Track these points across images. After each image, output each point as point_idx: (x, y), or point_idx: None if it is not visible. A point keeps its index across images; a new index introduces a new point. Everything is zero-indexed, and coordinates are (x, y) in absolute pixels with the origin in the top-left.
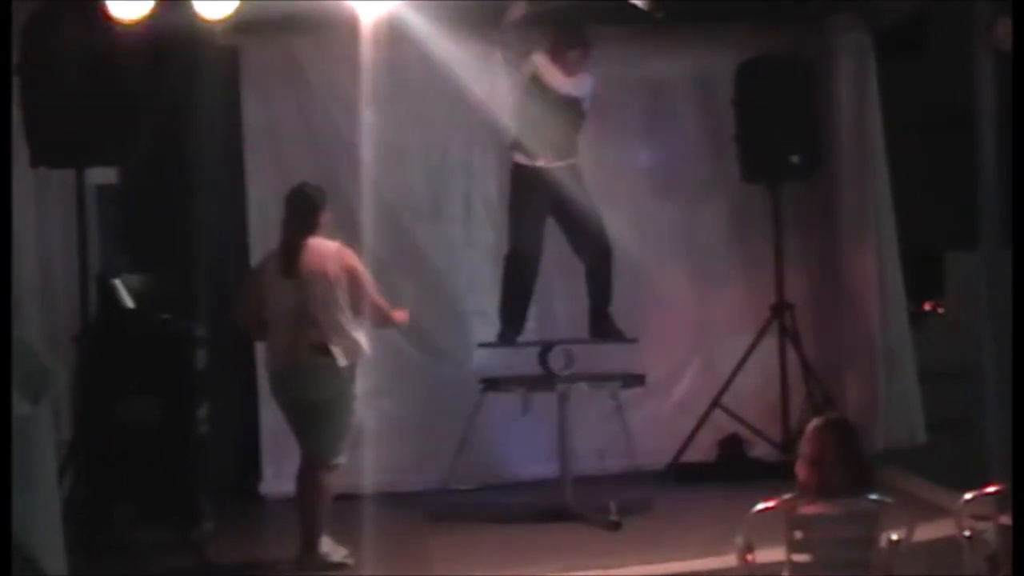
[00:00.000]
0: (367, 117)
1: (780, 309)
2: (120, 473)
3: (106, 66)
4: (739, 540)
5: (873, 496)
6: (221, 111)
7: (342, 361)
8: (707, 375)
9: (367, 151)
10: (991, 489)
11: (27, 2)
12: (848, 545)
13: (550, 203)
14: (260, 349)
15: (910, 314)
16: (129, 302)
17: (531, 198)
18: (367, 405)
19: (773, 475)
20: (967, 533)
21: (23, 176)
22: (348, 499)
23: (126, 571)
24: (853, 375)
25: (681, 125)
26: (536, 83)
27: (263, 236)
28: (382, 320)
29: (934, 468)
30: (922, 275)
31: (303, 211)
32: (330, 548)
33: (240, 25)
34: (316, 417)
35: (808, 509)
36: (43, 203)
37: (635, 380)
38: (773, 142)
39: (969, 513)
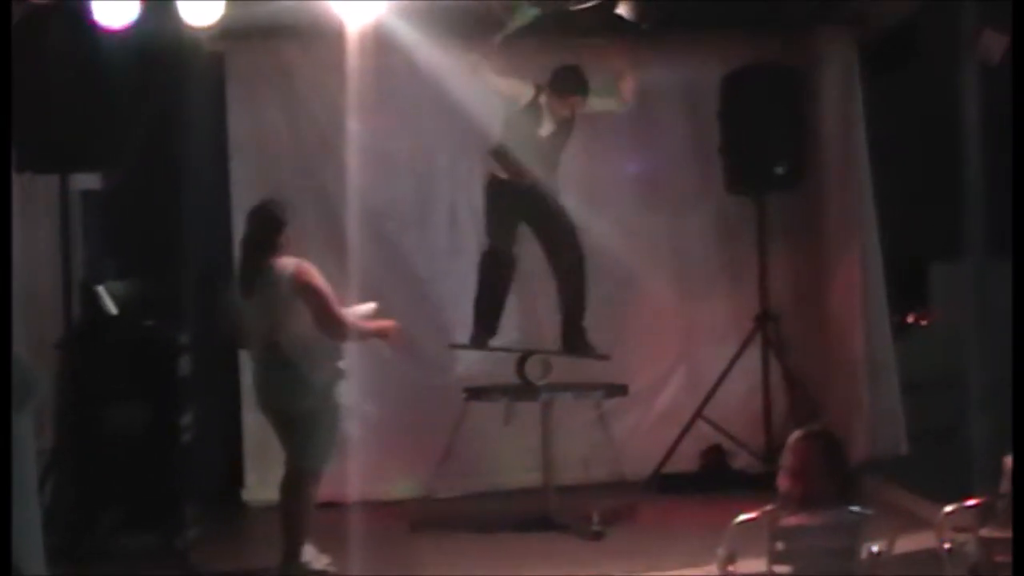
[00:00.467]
0: (353, 124)
1: (764, 319)
2: (104, 480)
3: (92, 72)
4: (721, 551)
5: (855, 508)
6: (207, 117)
7: (309, 378)
8: (691, 385)
9: (353, 158)
10: (972, 501)
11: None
12: (830, 556)
13: (521, 213)
14: (244, 356)
15: (894, 325)
16: (113, 308)
17: (503, 207)
18: (350, 413)
19: (756, 486)
20: (948, 545)
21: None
22: (331, 507)
23: None
24: (836, 386)
25: (667, 135)
26: (531, 109)
27: None
28: (356, 335)
29: (916, 479)
30: (906, 286)
31: (262, 230)
32: (312, 556)
33: (226, 31)
34: (298, 429)
35: (790, 520)
36: (28, 208)
37: (618, 390)
38: (758, 153)
39: (950, 525)
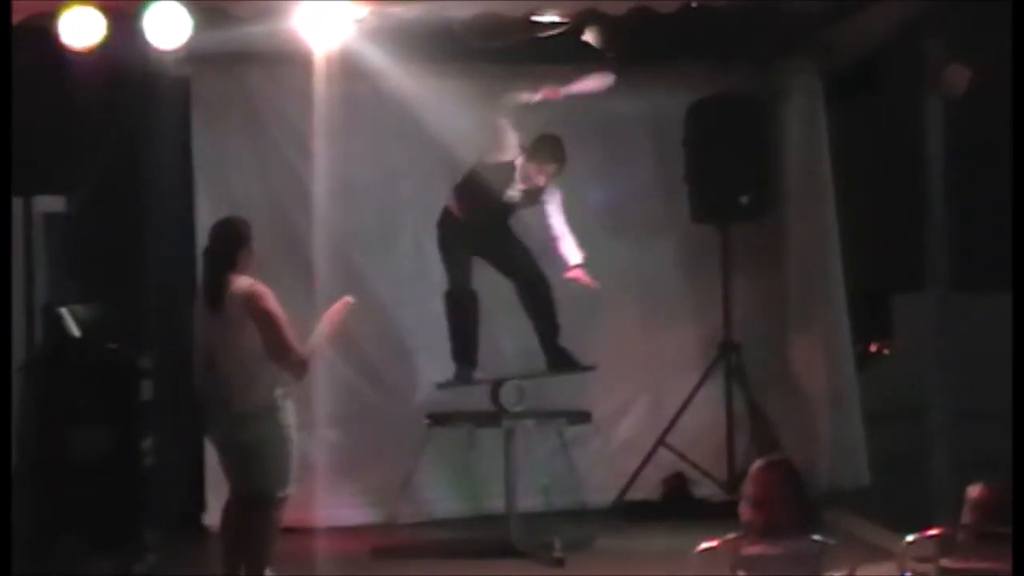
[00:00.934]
0: (318, 150)
1: (727, 349)
2: (65, 503)
3: (56, 94)
4: None
5: (816, 537)
6: (171, 141)
7: (244, 403)
8: (654, 413)
9: (318, 185)
10: (933, 532)
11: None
12: None
13: (474, 247)
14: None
15: (856, 355)
16: (76, 331)
17: (457, 243)
18: (313, 437)
19: (718, 514)
20: (909, 575)
21: None
22: (293, 532)
23: None
24: (798, 415)
25: (633, 164)
26: (504, 170)
27: None
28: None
29: (878, 510)
30: (869, 316)
31: (221, 245)
32: None
33: (192, 55)
34: (242, 456)
35: (752, 549)
36: None
37: (581, 417)
38: (723, 182)
39: (912, 555)
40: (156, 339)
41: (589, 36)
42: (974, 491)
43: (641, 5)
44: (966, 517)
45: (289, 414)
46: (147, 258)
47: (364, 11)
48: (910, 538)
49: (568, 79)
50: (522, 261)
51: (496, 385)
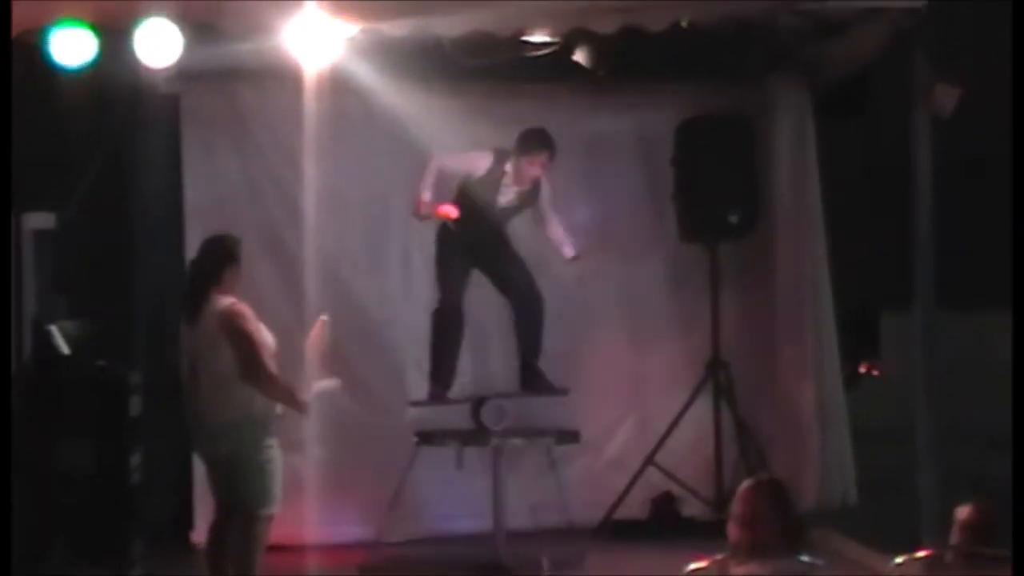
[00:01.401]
0: (308, 167)
1: (715, 367)
2: (52, 519)
3: (47, 111)
4: None
5: (804, 557)
6: (161, 158)
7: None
8: (641, 432)
9: (307, 201)
10: (922, 552)
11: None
12: None
13: (473, 260)
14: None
15: (844, 375)
16: (65, 348)
17: (456, 254)
18: (301, 455)
19: (706, 534)
20: None
21: None
22: (281, 549)
23: None
24: (787, 434)
25: (621, 182)
26: (490, 178)
27: None
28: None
29: (866, 530)
30: (857, 335)
31: (209, 261)
32: None
33: (183, 72)
34: (220, 471)
35: (739, 569)
36: None
37: (569, 436)
38: (711, 201)
39: None
40: (145, 355)
41: (578, 55)
42: (963, 512)
43: (630, 24)
44: (954, 538)
45: (270, 433)
46: (136, 275)
47: (354, 29)
48: (899, 559)
49: (557, 97)
50: (518, 278)
51: (477, 404)
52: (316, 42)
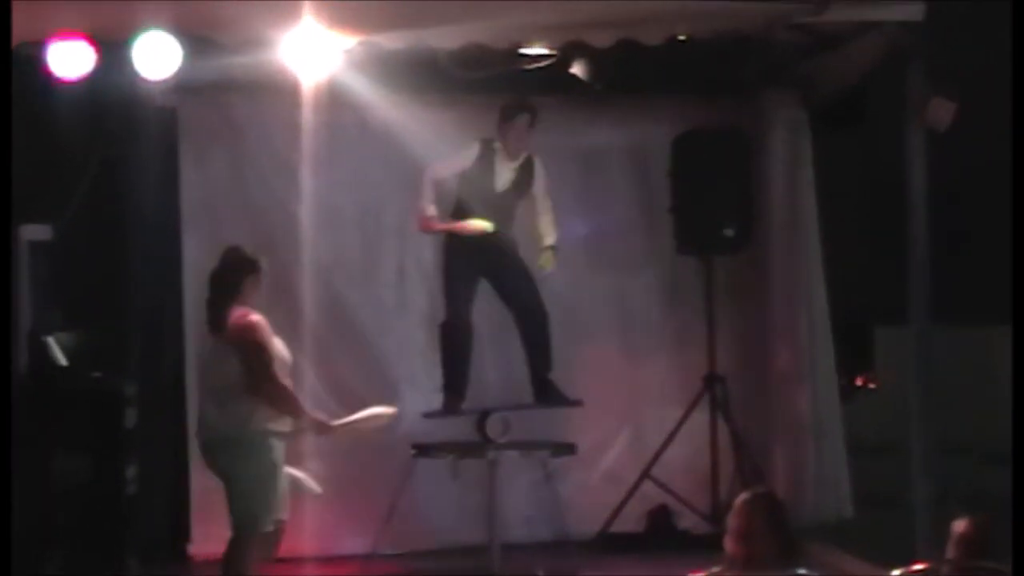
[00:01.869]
0: (304, 179)
1: (711, 381)
2: (48, 531)
3: (44, 123)
4: None
5: (800, 571)
6: (158, 170)
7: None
8: (637, 445)
9: (303, 214)
10: (918, 566)
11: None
12: None
13: (481, 268)
14: (192, 408)
15: (840, 388)
16: (61, 359)
17: (463, 264)
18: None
19: (701, 547)
20: None
21: None
22: (277, 562)
23: None
24: (782, 448)
25: (617, 195)
26: (482, 164)
27: (197, 295)
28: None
29: (861, 543)
30: (853, 349)
31: (230, 272)
32: None
33: (180, 85)
34: (231, 486)
35: None
36: None
37: (565, 449)
38: (707, 215)
39: None
40: (140, 367)
41: (575, 68)
42: (959, 525)
43: (627, 37)
44: (950, 551)
45: (273, 448)
46: (132, 286)
47: (351, 41)
48: (895, 573)
49: (553, 110)
50: (524, 290)
51: (482, 416)
52: (312, 55)
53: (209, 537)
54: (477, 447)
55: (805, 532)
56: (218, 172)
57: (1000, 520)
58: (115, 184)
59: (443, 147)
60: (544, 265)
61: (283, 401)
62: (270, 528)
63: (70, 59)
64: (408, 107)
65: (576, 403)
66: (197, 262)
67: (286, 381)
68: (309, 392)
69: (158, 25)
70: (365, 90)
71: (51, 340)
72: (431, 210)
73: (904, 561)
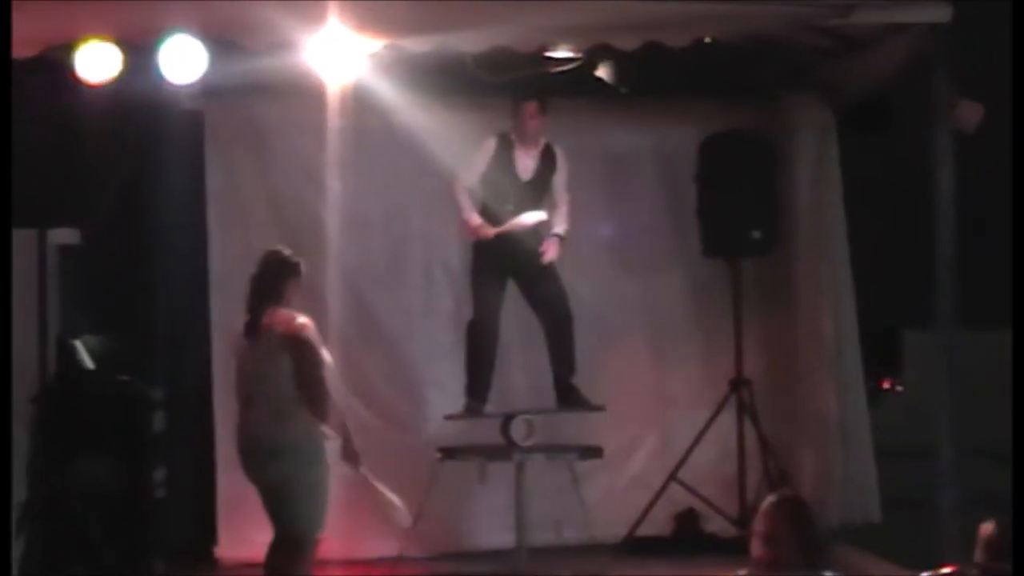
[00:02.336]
0: (330, 183)
1: (738, 384)
2: (76, 534)
3: (70, 127)
4: None
5: (827, 574)
6: (184, 174)
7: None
8: (664, 448)
9: (329, 217)
10: (945, 570)
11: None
12: None
13: (509, 268)
14: (219, 412)
15: (868, 391)
16: (89, 363)
17: (491, 265)
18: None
19: (728, 550)
20: None
21: None
22: None
23: None
24: (809, 451)
25: (643, 198)
26: (502, 158)
27: (224, 299)
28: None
29: (889, 547)
30: (880, 352)
31: (272, 275)
32: None
33: (205, 89)
34: (275, 495)
35: None
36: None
37: (592, 452)
38: (734, 217)
39: None
40: (168, 371)
41: (601, 71)
42: (986, 529)
43: (653, 41)
44: (978, 555)
45: (323, 453)
46: (160, 290)
47: (376, 45)
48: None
49: (580, 113)
50: (550, 292)
51: (506, 419)
52: (338, 58)
53: (236, 541)
54: (504, 450)
55: (832, 535)
56: (244, 176)
57: None
58: (142, 188)
59: (469, 150)
60: (546, 251)
61: (327, 408)
62: (320, 535)
63: (97, 63)
64: (434, 110)
65: (598, 408)
66: (223, 264)
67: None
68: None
69: (184, 29)
70: (391, 94)
71: (79, 344)
72: (476, 218)
73: (931, 564)
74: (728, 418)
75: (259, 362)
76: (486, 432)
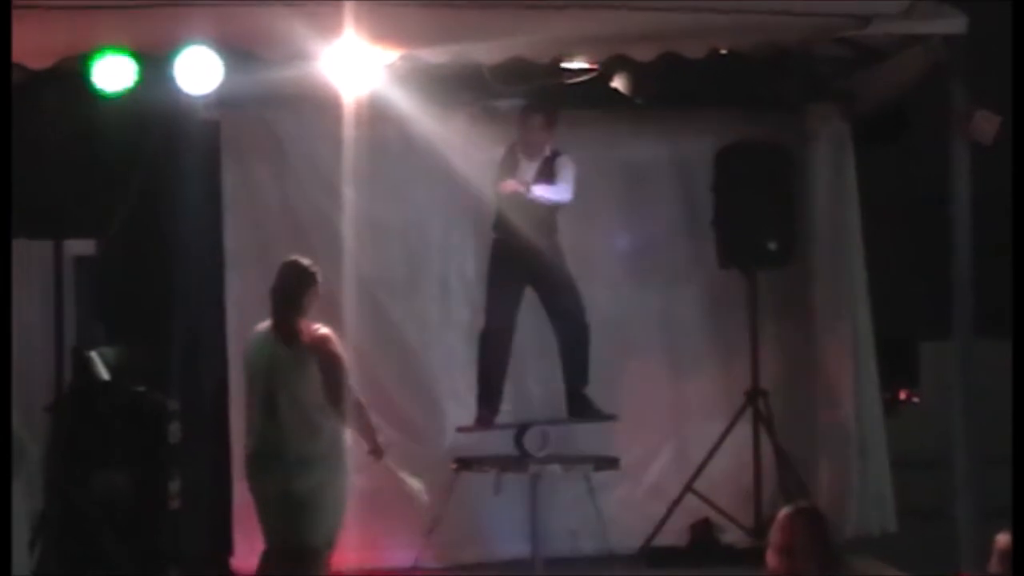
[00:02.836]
0: (346, 193)
1: (754, 395)
2: (92, 545)
3: (87, 137)
4: None
5: None
6: (201, 184)
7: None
8: (680, 459)
9: (346, 228)
10: None
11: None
12: None
13: (528, 275)
14: (235, 423)
15: (884, 402)
16: (105, 374)
17: (508, 272)
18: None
19: (744, 561)
20: None
21: None
22: None
23: None
24: (826, 462)
25: (659, 209)
26: (506, 167)
27: (240, 310)
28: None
29: (906, 557)
30: (897, 363)
31: (291, 286)
32: None
33: (222, 99)
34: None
35: None
36: (21, 273)
37: (608, 463)
38: (751, 228)
39: None
40: (183, 381)
41: (617, 82)
42: (1002, 539)
43: (669, 51)
44: (994, 565)
45: (347, 463)
46: (175, 301)
47: (393, 56)
48: None
49: (596, 124)
50: (566, 301)
51: (520, 430)
52: (355, 69)
53: (251, 551)
54: (519, 461)
55: (849, 546)
56: (261, 186)
57: None
58: (158, 199)
59: (486, 161)
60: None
61: (360, 416)
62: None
63: (113, 74)
64: (450, 121)
65: (610, 417)
66: (240, 276)
67: None
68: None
69: (200, 40)
70: (407, 104)
71: (95, 355)
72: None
73: (947, 574)
74: (744, 429)
75: (288, 372)
76: (503, 442)
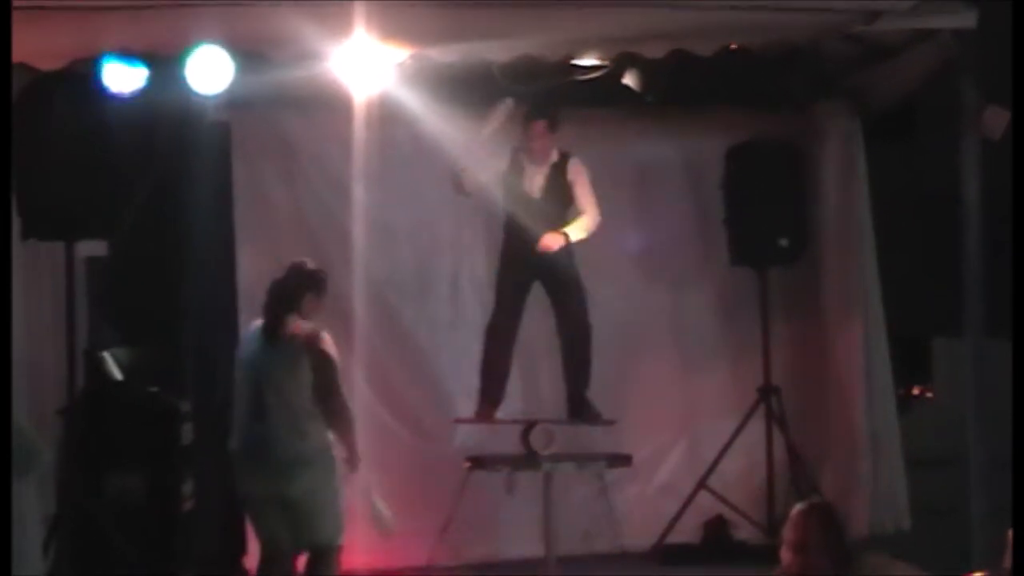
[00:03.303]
0: (357, 194)
1: (767, 392)
2: (105, 546)
3: (98, 139)
4: None
5: None
6: (211, 185)
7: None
8: (692, 457)
9: (356, 228)
10: None
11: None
12: None
13: (536, 271)
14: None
15: (897, 399)
16: (117, 375)
17: (517, 268)
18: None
19: (758, 558)
20: None
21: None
22: None
23: None
24: (839, 459)
25: (669, 207)
26: (513, 170)
27: (251, 311)
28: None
29: (918, 554)
30: (910, 360)
31: (291, 284)
32: None
33: (232, 100)
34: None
35: None
36: (32, 275)
37: (621, 460)
38: (761, 226)
39: None
40: (196, 382)
41: (627, 79)
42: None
43: (679, 49)
44: (1007, 561)
45: (336, 464)
46: (187, 302)
47: (403, 55)
48: None
49: (605, 122)
50: (571, 301)
51: (526, 428)
52: (365, 69)
53: None
54: (532, 460)
55: (862, 543)
56: (272, 187)
57: None
58: (169, 200)
59: (496, 160)
60: (545, 242)
61: (345, 421)
62: (340, 544)
63: (123, 75)
64: (460, 120)
65: (609, 422)
66: (251, 276)
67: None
68: (365, 406)
69: (210, 40)
70: (417, 104)
71: (107, 356)
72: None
73: (961, 572)
74: (757, 426)
75: (277, 371)
76: (511, 441)
